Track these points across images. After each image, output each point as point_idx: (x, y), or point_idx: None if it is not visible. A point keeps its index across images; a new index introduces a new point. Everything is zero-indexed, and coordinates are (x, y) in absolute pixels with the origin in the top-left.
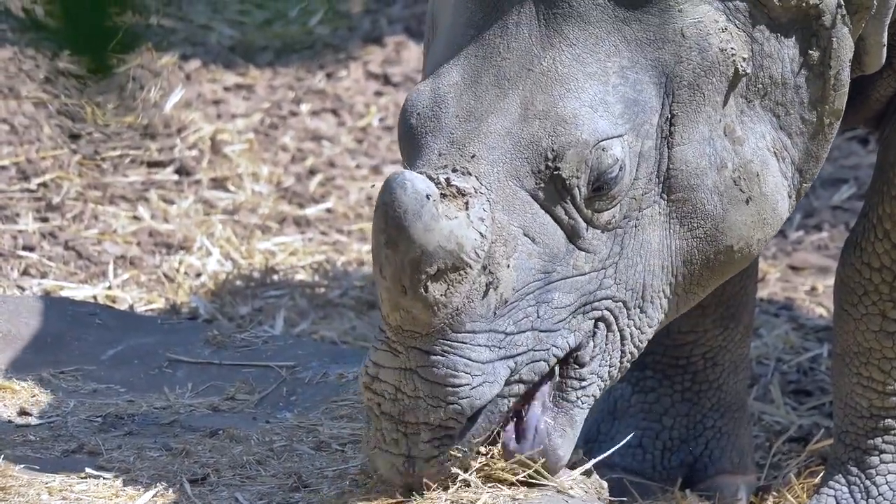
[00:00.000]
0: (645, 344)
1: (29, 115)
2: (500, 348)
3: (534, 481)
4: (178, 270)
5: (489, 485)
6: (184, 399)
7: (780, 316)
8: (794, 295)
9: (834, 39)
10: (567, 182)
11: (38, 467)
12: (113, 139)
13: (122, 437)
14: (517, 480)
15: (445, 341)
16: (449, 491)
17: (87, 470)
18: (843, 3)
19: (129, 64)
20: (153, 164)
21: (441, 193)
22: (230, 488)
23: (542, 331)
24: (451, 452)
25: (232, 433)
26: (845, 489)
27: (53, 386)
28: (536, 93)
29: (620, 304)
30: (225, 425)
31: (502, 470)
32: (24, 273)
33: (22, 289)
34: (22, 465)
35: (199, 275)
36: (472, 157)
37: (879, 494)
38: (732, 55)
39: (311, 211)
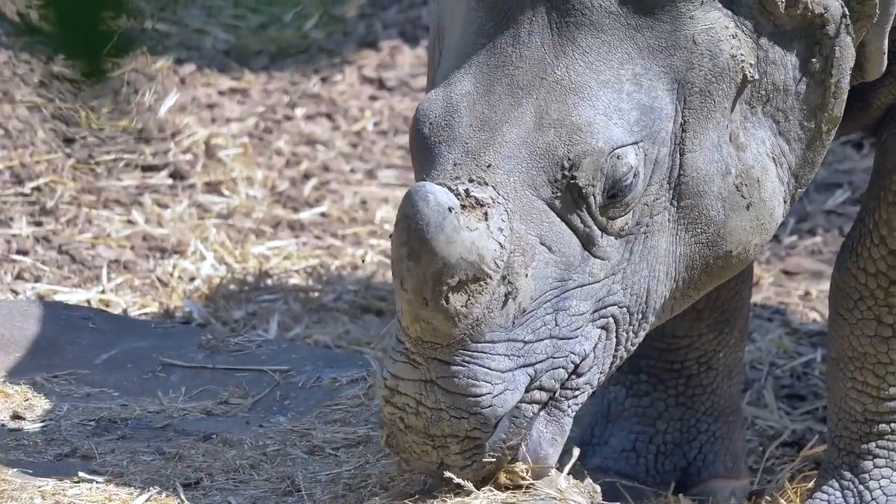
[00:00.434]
0: (635, 347)
1: (23, 119)
2: (519, 357)
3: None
4: (171, 274)
5: (484, 490)
6: (177, 403)
7: (773, 320)
8: (788, 300)
9: (837, 48)
10: (583, 190)
11: (31, 471)
12: (107, 143)
13: (115, 440)
14: (513, 485)
15: (466, 351)
16: (445, 495)
17: (81, 474)
18: (847, 12)
19: (123, 68)
20: (147, 169)
21: (461, 205)
22: (223, 492)
23: (560, 338)
24: (485, 460)
25: (225, 437)
26: (838, 494)
27: (47, 390)
28: (550, 101)
29: (625, 309)
30: (218, 429)
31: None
32: (18, 277)
33: (15, 293)
34: (15, 469)
35: (192, 279)
36: (488, 166)
37: (873, 499)
38: (742, 61)
39: (305, 215)
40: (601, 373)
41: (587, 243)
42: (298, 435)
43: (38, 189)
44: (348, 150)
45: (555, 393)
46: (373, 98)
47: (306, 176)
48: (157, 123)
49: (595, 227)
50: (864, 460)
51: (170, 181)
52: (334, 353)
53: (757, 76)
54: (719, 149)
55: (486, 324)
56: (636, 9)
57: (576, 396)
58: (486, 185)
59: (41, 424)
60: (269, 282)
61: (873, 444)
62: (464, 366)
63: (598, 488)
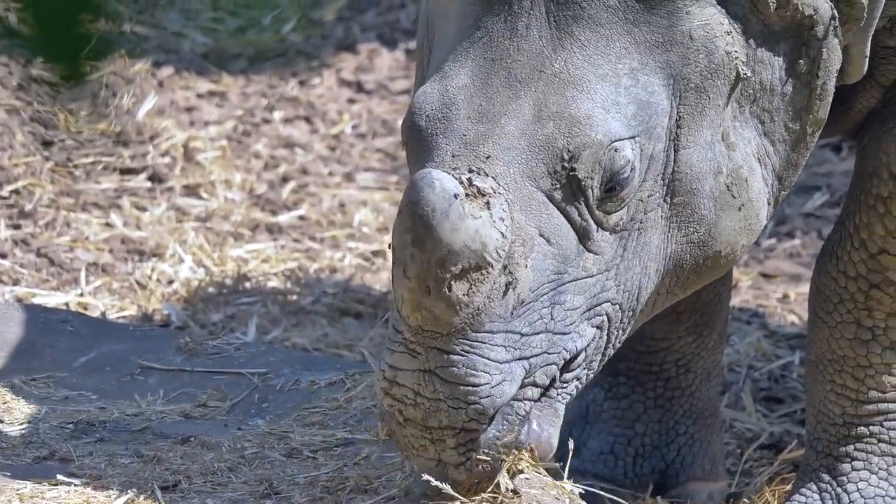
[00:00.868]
0: (620, 344)
1: (1, 121)
2: (515, 349)
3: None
4: (150, 277)
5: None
6: (155, 406)
7: (751, 323)
8: (766, 302)
9: (824, 50)
10: (582, 183)
11: (9, 474)
12: (85, 146)
13: (93, 443)
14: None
15: (465, 341)
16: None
17: (59, 476)
18: (836, 14)
19: (102, 71)
20: (126, 172)
21: (465, 193)
22: (201, 495)
23: (555, 333)
24: (479, 458)
25: (203, 440)
26: (816, 496)
27: (25, 393)
28: (549, 94)
29: (617, 306)
30: (196, 432)
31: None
32: None
33: None
34: None
35: (171, 282)
36: (487, 157)
37: (851, 502)
38: (735, 58)
39: (283, 218)
40: (590, 370)
41: (583, 237)
42: (276, 438)
43: (16, 192)
44: (326, 153)
45: (546, 390)
46: (351, 101)
47: (284, 179)
48: (135, 126)
49: (591, 221)
50: (843, 463)
51: (148, 184)
52: (312, 356)
53: (750, 74)
54: (712, 147)
55: (486, 314)
56: (633, 4)
57: (564, 388)
58: (486, 175)
59: (19, 427)
60: (247, 285)
61: (852, 446)
62: (463, 355)
63: (577, 491)
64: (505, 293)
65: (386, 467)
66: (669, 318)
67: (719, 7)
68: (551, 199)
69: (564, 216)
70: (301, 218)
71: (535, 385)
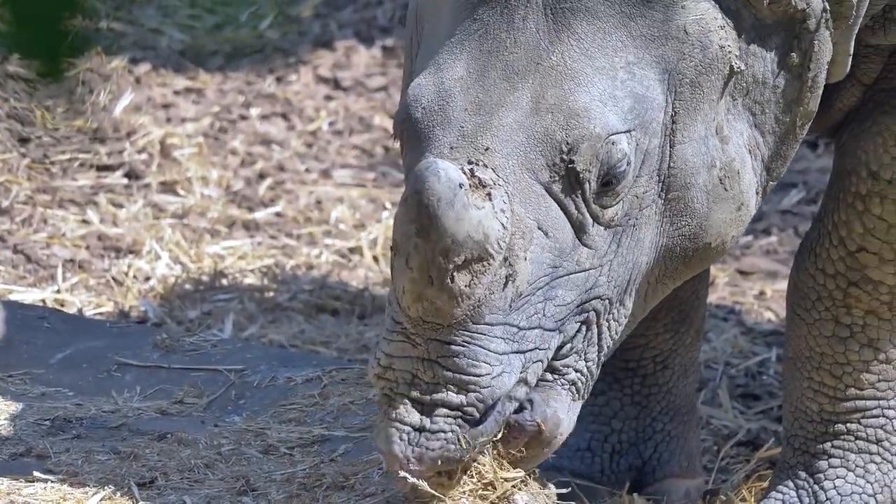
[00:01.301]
0: (619, 335)
1: None
2: (514, 342)
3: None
4: (126, 274)
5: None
6: (132, 403)
7: (728, 320)
8: (743, 299)
9: (815, 43)
10: (580, 175)
11: None
12: (62, 143)
13: (70, 440)
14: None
15: (466, 332)
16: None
17: (35, 473)
18: (827, 7)
19: (78, 68)
20: (102, 168)
21: (468, 183)
22: (178, 492)
23: (546, 329)
24: (461, 437)
25: (180, 437)
26: (793, 493)
27: (1, 389)
28: (546, 87)
29: (607, 301)
30: (173, 429)
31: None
32: None
33: None
34: None
35: (147, 278)
36: (486, 149)
37: (827, 499)
38: (729, 52)
39: (260, 215)
40: (587, 360)
41: (579, 231)
42: (253, 434)
43: None
44: (303, 149)
45: (531, 389)
46: (328, 98)
47: (261, 176)
48: (112, 123)
49: (587, 215)
50: (820, 460)
51: (125, 181)
52: (289, 353)
53: (743, 68)
54: (706, 141)
55: (487, 305)
56: None
57: (559, 371)
58: (486, 167)
59: None
60: (224, 281)
61: (829, 444)
62: (464, 346)
63: (553, 488)
64: (505, 285)
65: (363, 464)
66: (647, 316)
67: (713, 2)
68: (549, 191)
69: (562, 209)
70: (278, 215)
71: (525, 383)
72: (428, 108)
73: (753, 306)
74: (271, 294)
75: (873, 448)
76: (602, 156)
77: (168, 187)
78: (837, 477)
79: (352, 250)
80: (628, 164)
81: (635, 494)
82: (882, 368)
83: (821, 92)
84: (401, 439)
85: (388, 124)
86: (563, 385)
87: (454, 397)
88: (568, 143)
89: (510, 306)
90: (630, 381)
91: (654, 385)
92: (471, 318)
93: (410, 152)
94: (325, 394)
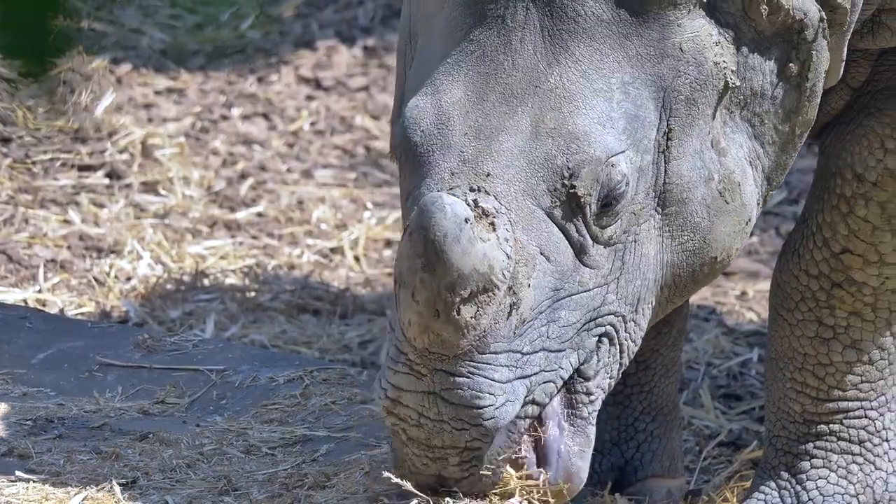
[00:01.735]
0: (634, 354)
1: None
2: (517, 368)
3: None
4: (108, 274)
5: None
6: (114, 402)
7: (710, 320)
8: (725, 300)
9: (814, 52)
10: (582, 199)
11: None
12: (44, 143)
13: (52, 440)
14: None
15: (471, 363)
16: None
17: (17, 473)
18: (824, 16)
19: (60, 68)
20: (84, 168)
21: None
22: (160, 491)
23: (551, 351)
24: (482, 473)
25: (162, 437)
26: (775, 494)
27: None
28: (546, 110)
29: (621, 318)
30: (155, 429)
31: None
32: None
33: None
34: None
35: (129, 278)
36: (487, 175)
37: (810, 500)
38: (724, 68)
39: (241, 215)
40: (610, 378)
41: (579, 252)
42: (235, 434)
43: None
44: (285, 149)
45: (544, 407)
46: (309, 98)
47: (243, 176)
48: (93, 123)
49: (588, 237)
50: (802, 461)
51: (106, 181)
52: (271, 353)
53: (738, 83)
54: (702, 155)
55: (492, 335)
56: (626, 17)
57: (593, 402)
58: (488, 194)
59: None
60: (205, 281)
61: (811, 444)
62: (469, 377)
63: None
64: (509, 314)
65: (344, 464)
66: None
67: (708, 18)
68: (550, 216)
69: (563, 232)
70: (259, 215)
71: (535, 403)
72: (427, 132)
73: (735, 307)
74: (253, 294)
75: (856, 449)
76: (602, 178)
77: (149, 187)
78: (820, 477)
79: (333, 250)
80: (626, 184)
81: (617, 494)
82: (865, 369)
83: (818, 100)
84: (426, 488)
85: (370, 124)
86: (593, 420)
87: (459, 437)
88: (569, 168)
89: (514, 333)
90: None
91: (635, 385)
92: (476, 347)
93: (409, 176)
94: (307, 394)
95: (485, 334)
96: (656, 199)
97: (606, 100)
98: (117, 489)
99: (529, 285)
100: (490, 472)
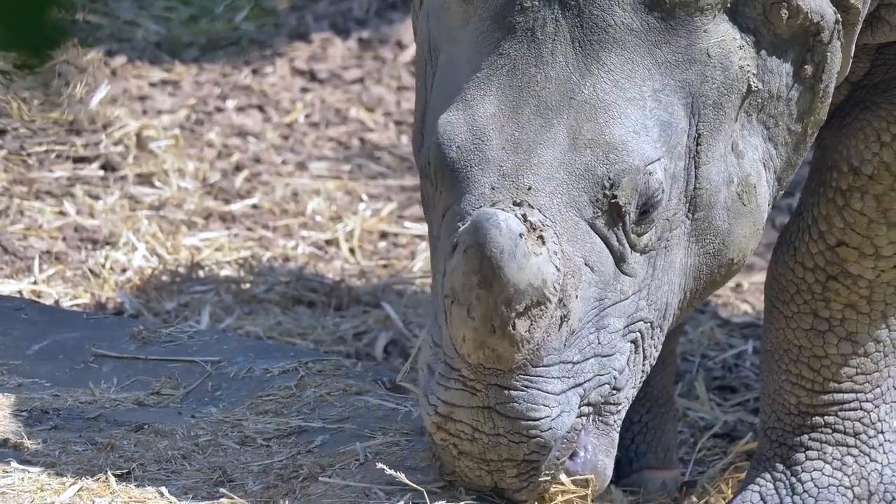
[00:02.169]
0: (655, 361)
1: None
2: (570, 378)
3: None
4: (103, 266)
5: None
6: (109, 394)
7: (704, 312)
8: (720, 291)
9: (828, 54)
10: (623, 209)
11: None
12: (39, 135)
13: (47, 431)
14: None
15: (525, 376)
16: None
17: (13, 464)
18: (839, 18)
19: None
20: (79, 160)
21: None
22: (155, 482)
23: (602, 356)
24: (540, 480)
25: (157, 428)
26: (770, 485)
27: None
28: (582, 121)
29: (649, 324)
30: (150, 420)
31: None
32: None
33: None
34: None
35: (124, 270)
36: (529, 188)
37: (805, 491)
38: (747, 72)
39: (236, 207)
40: (634, 387)
41: (619, 261)
42: (230, 425)
43: None
44: (279, 141)
45: (599, 406)
46: (304, 90)
47: (238, 168)
48: (88, 115)
49: (627, 245)
50: (797, 452)
51: (101, 172)
52: (266, 344)
53: (760, 86)
54: (725, 159)
55: (544, 347)
56: (655, 25)
57: (619, 411)
58: (532, 207)
59: None
60: (200, 273)
61: (806, 436)
62: (523, 391)
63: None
64: (560, 326)
65: (339, 455)
66: None
67: (731, 23)
68: (593, 226)
69: (604, 242)
70: (254, 206)
71: (589, 404)
72: (463, 147)
73: (730, 299)
74: (248, 286)
75: (851, 441)
76: (641, 187)
77: (144, 179)
78: (815, 469)
79: (328, 242)
80: (662, 191)
81: (612, 486)
82: (860, 362)
83: (830, 100)
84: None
85: (365, 116)
86: (619, 425)
87: (517, 450)
88: (610, 179)
89: (564, 344)
90: None
91: None
92: (530, 361)
93: (446, 192)
94: (302, 385)
95: (538, 347)
96: (687, 205)
97: (640, 108)
98: (112, 480)
99: (577, 296)
100: (549, 478)
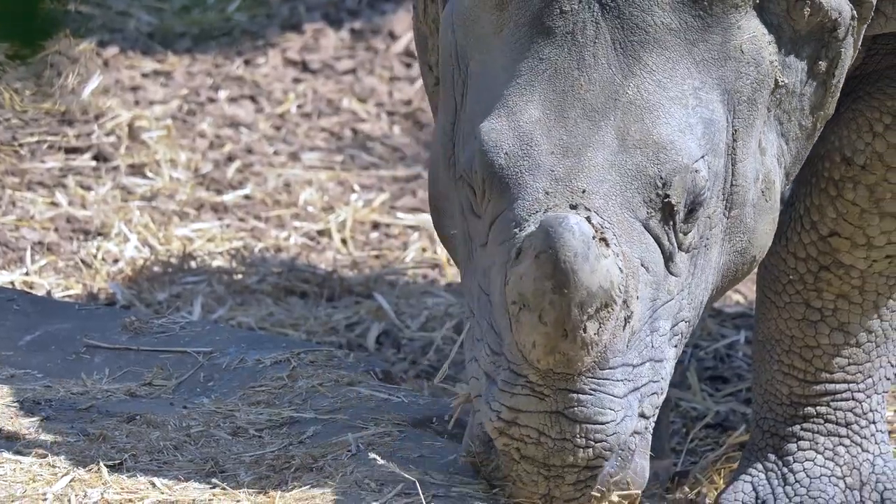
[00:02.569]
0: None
1: None
2: (630, 381)
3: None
4: (95, 256)
5: None
6: (101, 384)
7: None
8: None
9: (842, 50)
10: (675, 208)
11: None
12: (30, 125)
13: (39, 422)
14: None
15: (593, 379)
16: None
17: (4, 454)
18: (855, 14)
19: (47, 50)
20: (71, 151)
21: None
22: (147, 473)
23: (655, 360)
24: (592, 493)
25: (149, 418)
26: (762, 475)
27: None
28: (629, 122)
29: (688, 323)
30: (142, 411)
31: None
32: None
33: None
34: None
35: (116, 261)
36: (583, 192)
37: (796, 481)
38: (776, 67)
39: (228, 197)
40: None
41: (668, 261)
42: (222, 416)
43: None
44: (272, 132)
45: (651, 419)
46: (296, 81)
47: (230, 158)
48: (80, 105)
49: (675, 244)
50: (789, 443)
51: (93, 163)
52: (258, 335)
53: (786, 81)
54: (755, 155)
55: (610, 350)
56: (692, 23)
57: (655, 414)
58: (588, 210)
59: None
60: (192, 264)
61: (798, 426)
62: (591, 394)
63: None
64: (624, 327)
65: (332, 446)
66: None
67: (760, 18)
68: (647, 227)
69: (657, 242)
70: (246, 197)
71: (643, 416)
72: (511, 154)
73: None
74: (240, 276)
75: (842, 431)
76: (689, 185)
77: (136, 170)
78: (806, 459)
79: (320, 233)
80: (708, 189)
81: None
82: (852, 352)
83: (839, 94)
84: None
85: (357, 107)
86: (651, 430)
87: (582, 454)
88: (662, 178)
89: (626, 346)
90: None
91: None
92: (597, 364)
93: (496, 199)
94: (294, 376)
95: (604, 349)
96: (724, 202)
97: (683, 107)
98: (104, 471)
99: (637, 297)
100: (599, 494)
